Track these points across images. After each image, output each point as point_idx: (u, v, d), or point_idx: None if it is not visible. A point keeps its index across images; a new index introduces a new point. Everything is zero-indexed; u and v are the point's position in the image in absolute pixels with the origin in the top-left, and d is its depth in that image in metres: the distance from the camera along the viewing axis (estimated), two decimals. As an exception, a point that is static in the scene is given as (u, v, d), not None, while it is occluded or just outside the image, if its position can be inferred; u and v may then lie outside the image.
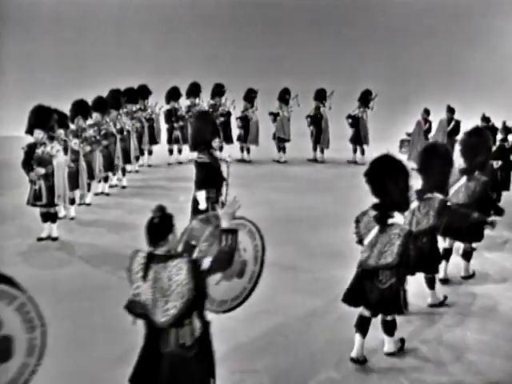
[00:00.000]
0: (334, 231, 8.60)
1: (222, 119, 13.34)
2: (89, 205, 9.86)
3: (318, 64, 15.93)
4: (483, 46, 15.92)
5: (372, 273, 4.85)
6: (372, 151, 13.78)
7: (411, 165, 13.70)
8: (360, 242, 5.02)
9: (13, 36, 16.48)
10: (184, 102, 13.49)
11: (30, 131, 8.00)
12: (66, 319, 5.86)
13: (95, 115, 10.27)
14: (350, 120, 13.43)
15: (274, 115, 13.51)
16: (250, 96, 13.40)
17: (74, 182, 9.02)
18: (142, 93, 12.92)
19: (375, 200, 5.00)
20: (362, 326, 5.00)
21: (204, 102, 13.51)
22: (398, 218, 4.94)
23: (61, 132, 8.90)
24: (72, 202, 9.04)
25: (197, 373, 3.63)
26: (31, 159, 7.91)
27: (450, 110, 12.29)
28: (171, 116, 13.23)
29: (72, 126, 9.65)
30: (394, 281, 4.81)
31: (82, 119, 9.74)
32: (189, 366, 3.58)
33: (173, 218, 3.74)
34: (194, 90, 13.42)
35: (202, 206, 6.93)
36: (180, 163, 13.39)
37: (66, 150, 8.64)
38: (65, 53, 16.50)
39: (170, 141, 13.34)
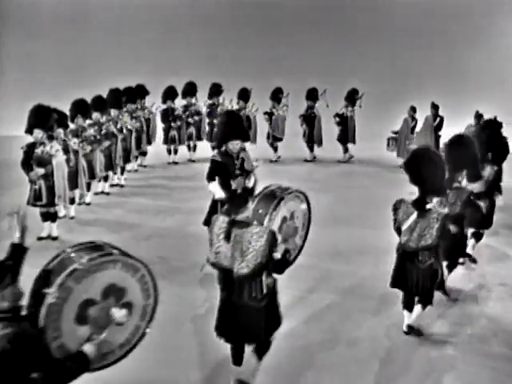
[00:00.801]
0: (334, 230, 8.62)
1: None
2: (89, 204, 9.86)
3: (318, 64, 15.94)
4: (483, 46, 15.93)
5: (412, 255, 5.29)
6: (373, 150, 13.89)
7: (400, 161, 13.80)
8: (398, 228, 5.39)
9: (13, 36, 16.48)
10: (180, 102, 13.43)
11: (29, 131, 7.99)
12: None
13: (95, 115, 10.26)
14: (337, 119, 13.45)
15: (269, 115, 13.48)
16: (246, 95, 13.35)
17: (73, 182, 9.00)
18: (140, 92, 12.90)
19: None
20: (408, 303, 5.53)
21: (201, 101, 13.47)
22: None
23: (60, 131, 8.88)
24: (72, 201, 9.03)
25: (266, 321, 4.37)
26: (31, 159, 7.91)
27: (435, 107, 12.70)
28: (168, 116, 13.19)
29: (72, 126, 9.64)
30: (433, 261, 5.32)
31: (81, 118, 9.73)
32: (259, 315, 4.32)
33: (252, 190, 4.42)
34: (190, 90, 13.38)
35: (217, 195, 6.65)
36: (176, 163, 13.36)
37: (65, 150, 8.62)
38: (65, 53, 16.50)
39: (167, 141, 13.30)
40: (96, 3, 16.82)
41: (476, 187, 6.65)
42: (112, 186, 11.00)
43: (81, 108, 9.83)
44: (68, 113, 9.58)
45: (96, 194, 10.38)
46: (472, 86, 15.50)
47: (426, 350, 5.37)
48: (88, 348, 3.33)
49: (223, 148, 6.71)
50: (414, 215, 5.24)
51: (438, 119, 12.66)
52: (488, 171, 7.04)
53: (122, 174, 11.32)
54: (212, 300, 6.17)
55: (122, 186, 11.25)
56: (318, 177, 12.25)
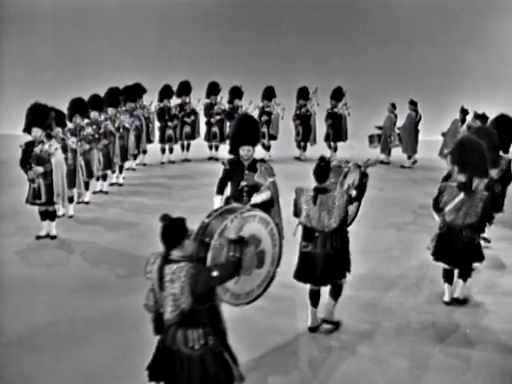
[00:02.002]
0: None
1: (217, 118, 13.32)
2: (87, 203, 9.86)
3: (316, 63, 15.96)
4: (483, 45, 15.97)
5: (457, 231, 6.03)
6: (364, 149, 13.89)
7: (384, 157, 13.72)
8: (441, 209, 6.12)
9: (11, 34, 16.45)
10: (176, 101, 13.44)
11: (27, 129, 7.98)
12: (64, 317, 5.88)
13: (93, 113, 10.25)
14: (329, 119, 13.38)
15: (269, 114, 13.47)
16: (239, 93, 13.31)
17: (71, 181, 8.99)
18: (137, 91, 12.88)
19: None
20: (449, 277, 6.31)
21: (200, 100, 13.47)
22: None
23: (58, 130, 8.88)
24: (71, 200, 9.01)
25: (341, 265, 5.54)
26: (29, 157, 7.89)
27: (414, 104, 12.98)
28: (164, 115, 13.17)
29: (70, 125, 9.64)
30: (476, 236, 6.11)
31: (79, 117, 9.73)
32: (337, 261, 5.47)
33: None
34: (184, 89, 13.36)
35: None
36: (172, 162, 13.38)
37: (64, 149, 8.62)
38: (63, 51, 16.48)
39: (163, 139, 13.27)
40: (94, 1, 16.78)
41: (493, 174, 7.25)
42: (110, 184, 10.99)
43: (79, 107, 9.81)
44: (66, 111, 9.59)
45: (95, 192, 10.38)
46: (472, 85, 15.56)
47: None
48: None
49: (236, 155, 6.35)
50: (461, 196, 5.95)
51: (419, 115, 12.96)
52: (503, 161, 7.68)
53: (120, 172, 11.33)
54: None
55: (120, 184, 11.26)
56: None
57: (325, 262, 5.41)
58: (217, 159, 12.86)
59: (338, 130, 13.51)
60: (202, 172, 11.97)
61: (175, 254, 3.81)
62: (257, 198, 6.08)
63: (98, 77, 14.23)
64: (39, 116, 7.96)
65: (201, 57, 16.04)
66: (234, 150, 6.40)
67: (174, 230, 3.86)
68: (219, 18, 16.42)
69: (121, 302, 6.21)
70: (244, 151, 6.25)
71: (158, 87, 13.21)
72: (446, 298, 6.32)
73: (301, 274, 5.58)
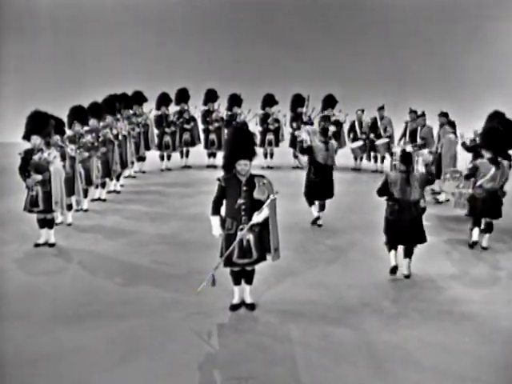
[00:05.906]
0: (329, 235, 8.66)
1: (216, 125, 13.36)
2: (86, 211, 9.86)
3: (315, 69, 16.01)
4: (483, 47, 16.05)
5: (494, 192, 8.22)
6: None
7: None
8: (473, 177, 8.33)
9: (10, 41, 16.50)
10: (174, 108, 13.52)
11: (26, 137, 7.99)
12: (62, 324, 5.88)
13: (92, 121, 10.28)
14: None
15: (278, 121, 13.49)
16: (239, 100, 13.38)
17: (70, 188, 8.98)
18: (138, 99, 12.94)
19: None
20: (478, 222, 8.39)
21: (196, 107, 13.53)
22: None
23: (58, 138, 8.88)
24: (69, 207, 9.02)
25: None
26: (28, 165, 7.90)
27: (383, 108, 13.56)
28: (162, 122, 13.25)
29: (69, 132, 9.65)
30: (503, 192, 8.35)
31: (79, 125, 9.75)
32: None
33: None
34: (183, 96, 13.43)
35: (214, 231, 6.09)
36: (169, 170, 13.43)
37: (63, 156, 8.62)
38: (62, 58, 16.53)
39: (161, 146, 13.35)
40: (93, 5, 16.82)
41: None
42: (108, 192, 11.00)
43: (78, 114, 9.83)
44: (65, 119, 9.61)
45: (93, 200, 10.39)
46: (471, 86, 15.64)
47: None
48: None
49: (232, 170, 6.01)
50: (493, 169, 8.14)
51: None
52: None
53: (117, 180, 11.35)
54: (207, 306, 6.22)
55: (118, 192, 11.28)
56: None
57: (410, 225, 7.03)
58: (215, 167, 12.90)
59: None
60: (201, 180, 11.99)
61: (410, 168, 7.07)
62: (259, 217, 5.82)
63: (97, 84, 14.26)
64: (39, 124, 7.98)
65: (199, 64, 16.10)
66: (229, 166, 6.02)
67: (410, 156, 7.10)
68: (218, 25, 16.51)
69: (119, 310, 6.22)
70: (241, 166, 5.89)
71: (156, 93, 13.26)
72: (475, 238, 8.30)
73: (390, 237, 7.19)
